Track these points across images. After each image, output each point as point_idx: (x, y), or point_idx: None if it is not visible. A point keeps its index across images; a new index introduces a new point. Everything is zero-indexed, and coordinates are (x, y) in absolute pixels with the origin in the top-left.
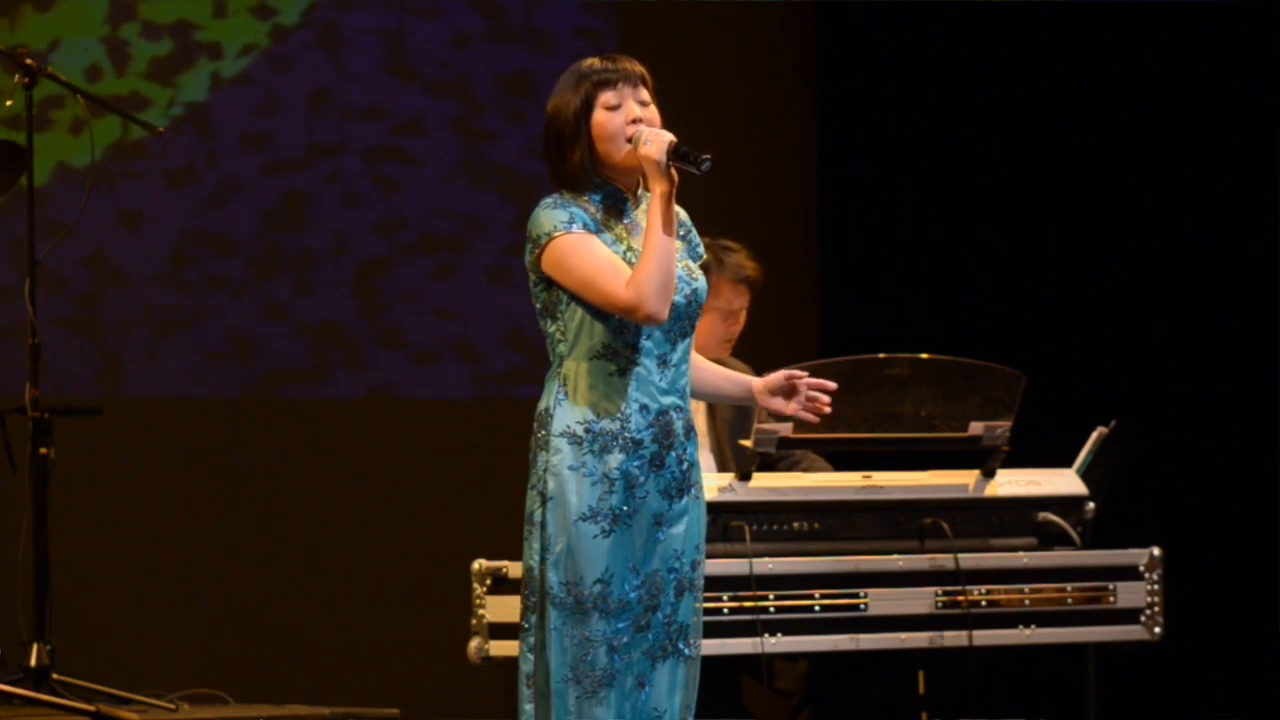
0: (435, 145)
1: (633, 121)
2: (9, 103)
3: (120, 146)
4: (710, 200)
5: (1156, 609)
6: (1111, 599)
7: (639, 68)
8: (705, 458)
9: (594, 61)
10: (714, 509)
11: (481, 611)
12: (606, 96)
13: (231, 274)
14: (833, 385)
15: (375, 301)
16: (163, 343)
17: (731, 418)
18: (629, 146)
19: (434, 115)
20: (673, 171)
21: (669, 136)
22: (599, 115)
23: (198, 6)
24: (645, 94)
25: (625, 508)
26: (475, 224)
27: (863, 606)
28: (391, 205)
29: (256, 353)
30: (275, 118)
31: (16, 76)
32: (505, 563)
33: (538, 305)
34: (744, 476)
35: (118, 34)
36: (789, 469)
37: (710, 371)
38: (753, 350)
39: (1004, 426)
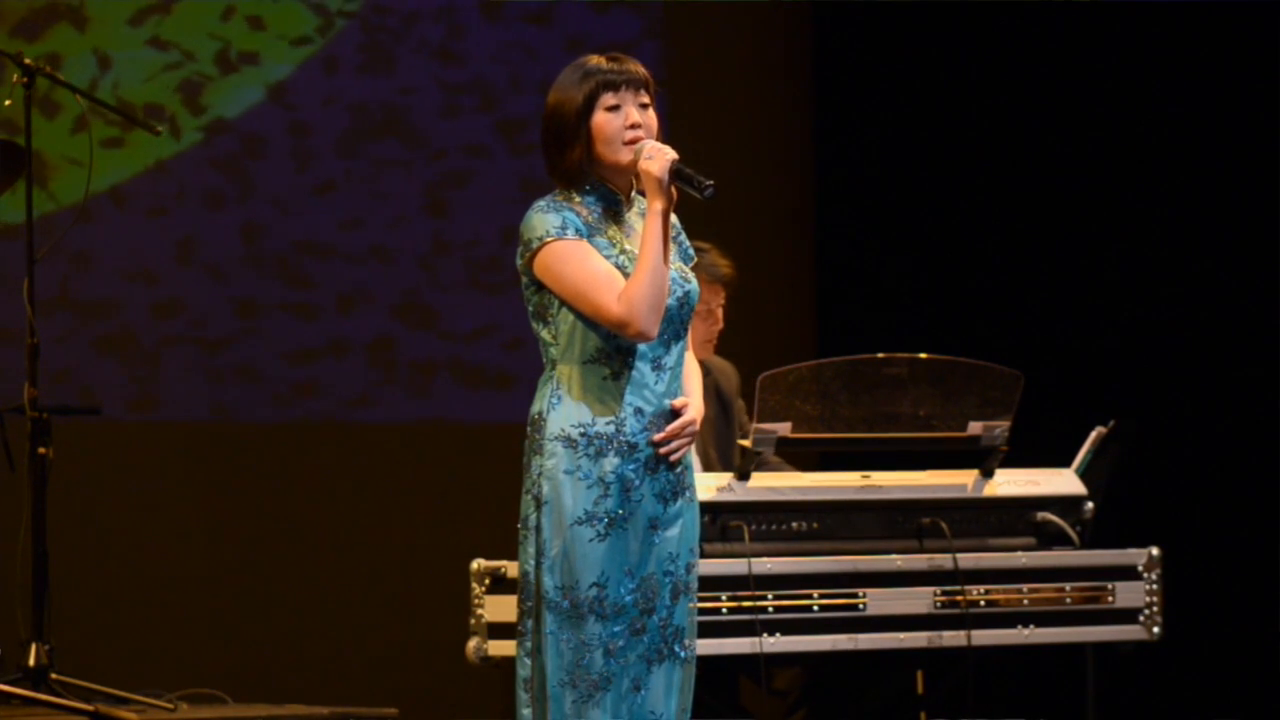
0: (487, 162)
1: (631, 126)
2: (8, 102)
3: (160, 166)
4: (707, 200)
5: (1155, 609)
6: (1110, 599)
7: (642, 70)
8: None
9: (599, 60)
10: (713, 509)
11: (480, 611)
12: (607, 98)
13: (272, 295)
14: (665, 437)
15: (415, 324)
16: (187, 364)
17: (713, 417)
18: (626, 150)
19: (485, 130)
20: (672, 190)
21: (671, 154)
22: (599, 117)
23: (238, 23)
24: (646, 97)
25: (620, 511)
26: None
27: (861, 606)
28: (440, 225)
29: (272, 374)
30: (320, 135)
31: (15, 76)
32: (504, 562)
33: (529, 309)
34: (742, 476)
35: (158, 49)
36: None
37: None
38: (752, 351)
39: (1002, 426)
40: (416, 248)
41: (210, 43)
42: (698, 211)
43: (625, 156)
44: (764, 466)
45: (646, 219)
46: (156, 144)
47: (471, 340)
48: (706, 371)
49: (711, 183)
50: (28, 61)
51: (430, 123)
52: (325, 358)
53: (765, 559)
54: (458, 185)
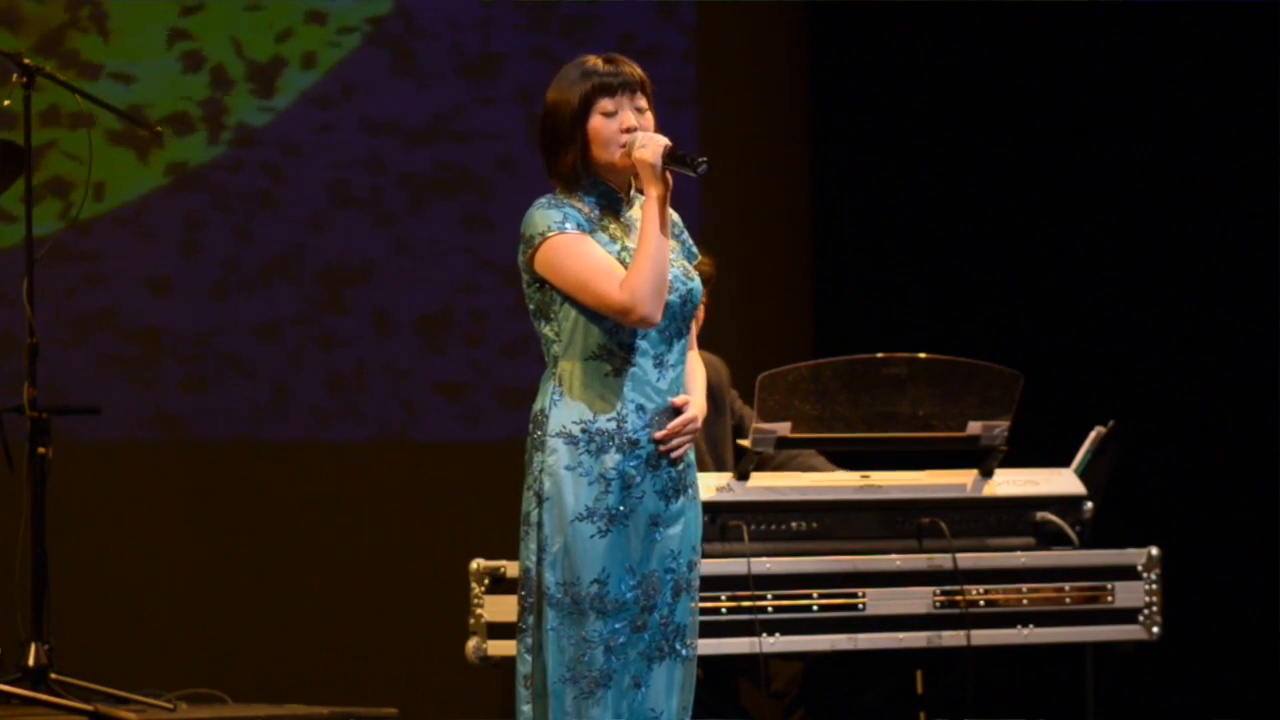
0: (523, 176)
1: (627, 130)
2: (6, 103)
3: (186, 179)
4: (705, 201)
5: (1155, 608)
6: (1109, 599)
7: (639, 72)
8: None
9: (596, 62)
10: (712, 509)
11: (479, 611)
12: (604, 103)
13: (299, 311)
14: (667, 435)
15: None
16: (200, 380)
17: (706, 415)
18: (622, 151)
19: (523, 146)
20: (667, 175)
21: (664, 141)
22: (595, 121)
23: (267, 33)
24: (643, 101)
25: (622, 507)
26: None
27: (860, 606)
28: (476, 242)
29: (286, 389)
30: (351, 148)
31: (14, 76)
32: (503, 562)
33: (531, 306)
34: (742, 476)
35: (184, 59)
36: (779, 467)
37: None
38: (751, 351)
39: (1002, 426)
40: (451, 264)
41: (236, 54)
42: (697, 212)
43: (621, 159)
44: (791, 462)
45: (644, 206)
46: (183, 156)
47: (509, 359)
48: None
49: (704, 159)
50: (27, 61)
51: (466, 136)
52: (342, 376)
53: (764, 559)
54: (493, 199)
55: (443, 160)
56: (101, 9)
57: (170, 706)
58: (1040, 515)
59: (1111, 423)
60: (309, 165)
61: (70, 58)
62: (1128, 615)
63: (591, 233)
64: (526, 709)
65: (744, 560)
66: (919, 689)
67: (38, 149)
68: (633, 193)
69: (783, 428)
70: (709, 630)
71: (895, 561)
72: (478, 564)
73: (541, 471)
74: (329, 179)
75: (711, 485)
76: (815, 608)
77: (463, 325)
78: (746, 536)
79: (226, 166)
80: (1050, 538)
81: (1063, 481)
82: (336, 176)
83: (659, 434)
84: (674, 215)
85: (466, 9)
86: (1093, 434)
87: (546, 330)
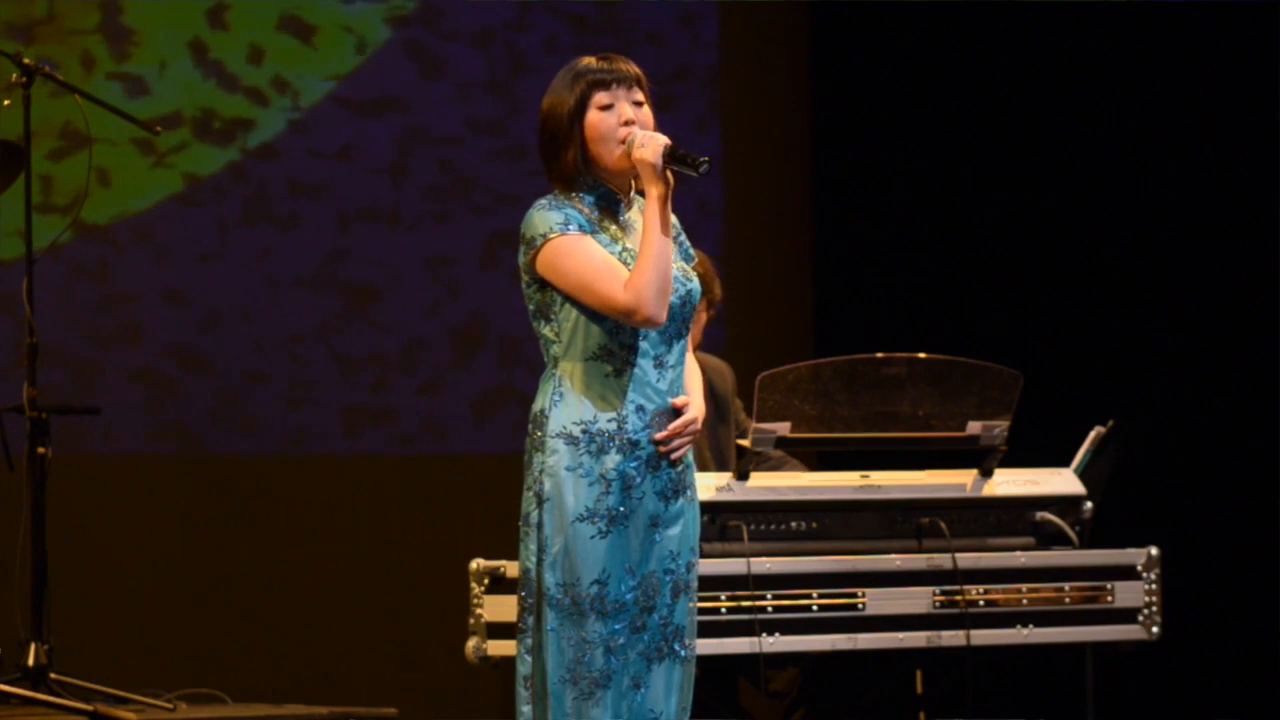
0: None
1: (626, 123)
2: (6, 102)
3: (208, 186)
4: (706, 201)
5: (1154, 608)
6: (1109, 599)
7: (634, 69)
8: None
9: (590, 61)
10: (712, 508)
11: (479, 611)
12: (600, 97)
13: (318, 322)
14: (667, 435)
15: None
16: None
17: (709, 416)
18: (621, 148)
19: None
20: (668, 174)
21: (664, 139)
22: (592, 116)
23: (286, 41)
24: (640, 95)
25: (622, 508)
26: None
27: (860, 606)
28: (498, 253)
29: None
30: (375, 159)
31: (14, 76)
32: (503, 562)
33: (531, 307)
34: (742, 476)
35: (200, 67)
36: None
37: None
38: (751, 351)
39: (1002, 426)
40: (471, 275)
41: (258, 64)
42: (698, 212)
43: (620, 154)
44: (782, 466)
45: (645, 206)
46: (204, 166)
47: (533, 370)
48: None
49: (706, 159)
50: (27, 61)
51: (494, 148)
52: (358, 389)
53: (764, 559)
54: (518, 209)
55: (468, 170)
56: (122, 19)
57: (170, 706)
58: (1040, 515)
59: (1111, 423)
60: (333, 175)
61: (91, 64)
62: (1127, 615)
63: (592, 234)
64: (526, 709)
65: (744, 560)
66: (919, 689)
67: (53, 161)
68: (633, 194)
69: (782, 427)
70: (709, 630)
71: (895, 561)
72: (477, 564)
73: (542, 472)
74: (354, 189)
75: (711, 485)
76: (815, 608)
77: (491, 337)
78: (746, 536)
79: (249, 177)
80: (1050, 538)
81: (1062, 481)
82: (361, 187)
83: (660, 435)
84: (672, 217)
85: (496, 12)
86: (1093, 434)
87: (546, 331)
